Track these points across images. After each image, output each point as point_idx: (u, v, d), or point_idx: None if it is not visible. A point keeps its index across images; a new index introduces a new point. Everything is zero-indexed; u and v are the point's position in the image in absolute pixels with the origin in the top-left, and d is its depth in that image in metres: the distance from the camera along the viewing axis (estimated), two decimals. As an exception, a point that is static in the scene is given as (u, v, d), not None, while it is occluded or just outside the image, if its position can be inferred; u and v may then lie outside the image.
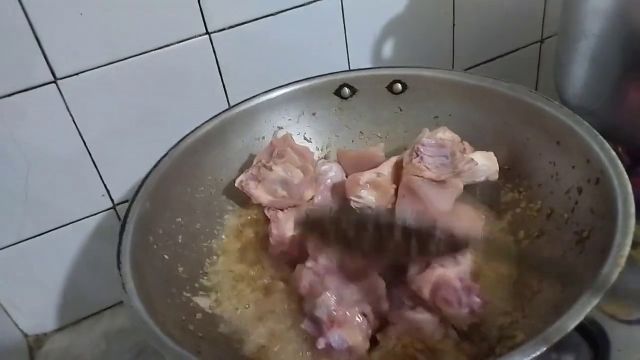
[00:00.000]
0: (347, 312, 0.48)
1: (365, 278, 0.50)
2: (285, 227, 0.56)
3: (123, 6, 0.58)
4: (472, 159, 0.56)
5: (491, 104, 0.62)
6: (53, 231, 0.67)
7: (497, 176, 0.58)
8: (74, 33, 0.57)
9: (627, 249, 0.40)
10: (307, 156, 0.61)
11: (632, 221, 0.42)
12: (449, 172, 0.55)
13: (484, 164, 0.57)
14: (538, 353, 0.35)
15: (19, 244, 0.66)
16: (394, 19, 0.76)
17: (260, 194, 0.58)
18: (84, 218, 0.69)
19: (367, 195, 0.56)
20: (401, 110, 0.68)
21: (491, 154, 0.58)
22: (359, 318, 0.48)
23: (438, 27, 0.80)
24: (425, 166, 0.55)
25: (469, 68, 0.87)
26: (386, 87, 0.67)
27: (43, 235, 0.67)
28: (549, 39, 0.90)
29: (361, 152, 0.63)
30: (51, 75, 0.58)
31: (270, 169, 0.58)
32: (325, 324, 0.47)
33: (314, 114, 0.68)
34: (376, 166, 0.58)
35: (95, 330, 0.74)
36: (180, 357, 0.38)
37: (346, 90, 0.67)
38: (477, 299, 0.46)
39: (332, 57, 0.73)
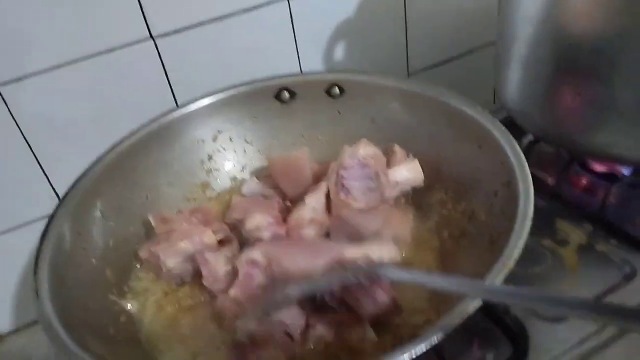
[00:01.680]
0: (268, 334, 0.47)
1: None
2: (217, 266, 0.55)
3: (68, 8, 0.59)
4: (397, 182, 0.58)
5: (422, 108, 0.63)
6: (3, 235, 0.68)
7: (422, 184, 0.60)
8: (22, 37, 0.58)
9: (517, 251, 0.41)
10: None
11: (528, 223, 0.43)
12: (376, 199, 0.58)
13: (408, 179, 0.60)
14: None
15: (-33, 247, 0.66)
16: (345, 23, 0.76)
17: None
18: (34, 221, 0.69)
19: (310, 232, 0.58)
20: (340, 113, 0.69)
21: (416, 163, 0.60)
22: (282, 337, 0.48)
23: (390, 30, 0.81)
24: (353, 198, 0.57)
25: (424, 69, 0.88)
26: (325, 91, 0.69)
27: (-9, 238, 0.68)
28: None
29: (288, 158, 0.64)
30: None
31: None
32: (247, 346, 0.47)
33: (254, 117, 0.69)
34: (302, 172, 0.60)
35: (50, 331, 0.75)
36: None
37: (285, 93, 0.69)
38: (384, 295, 0.48)
39: (283, 62, 0.74)
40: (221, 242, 0.59)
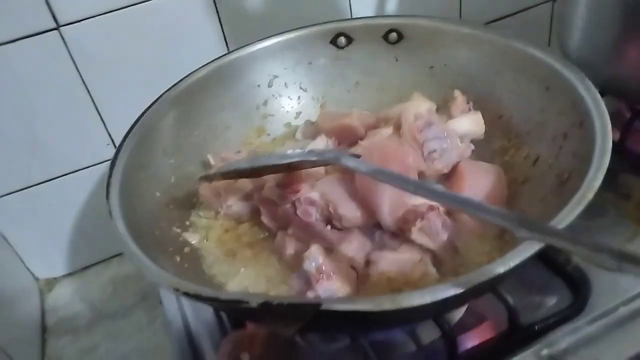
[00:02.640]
0: (335, 265, 0.48)
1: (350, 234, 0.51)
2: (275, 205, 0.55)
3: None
4: (469, 145, 0.57)
5: (484, 52, 0.61)
6: (60, 178, 0.70)
7: (482, 137, 0.59)
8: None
9: (597, 183, 0.40)
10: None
11: (607, 158, 0.42)
12: (454, 159, 0.56)
13: (470, 130, 0.59)
14: (494, 275, 0.35)
15: (27, 189, 0.69)
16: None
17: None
18: (90, 166, 0.71)
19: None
20: (397, 60, 0.68)
21: (478, 115, 0.59)
22: (348, 269, 0.48)
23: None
24: (434, 159, 0.55)
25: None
26: (382, 37, 0.67)
27: (50, 182, 0.69)
28: (562, -2, 0.87)
29: (338, 118, 0.62)
30: (54, 22, 0.60)
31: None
32: (314, 276, 0.47)
33: (310, 63, 0.69)
34: (355, 135, 0.60)
35: (103, 276, 0.77)
36: (159, 276, 0.40)
37: (342, 39, 0.68)
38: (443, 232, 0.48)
39: (334, 6, 0.73)
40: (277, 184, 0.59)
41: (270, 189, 0.55)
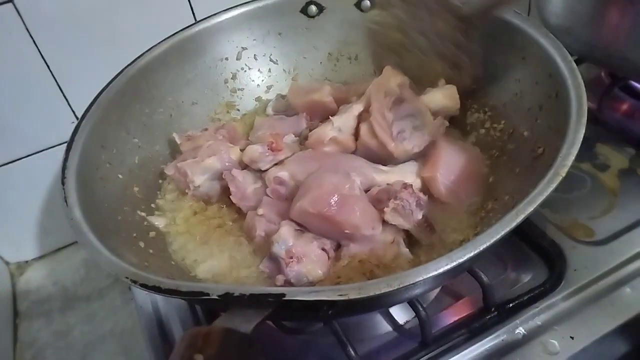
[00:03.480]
0: (305, 247, 0.46)
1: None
2: (245, 183, 0.53)
3: None
4: (443, 122, 0.55)
5: (460, 18, 0.58)
6: (24, 158, 0.67)
7: (457, 112, 0.57)
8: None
9: (570, 158, 0.39)
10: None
11: (581, 132, 0.40)
12: (424, 138, 0.54)
13: (444, 106, 0.56)
14: (452, 265, 0.34)
15: (-10, 171, 0.66)
16: None
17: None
18: (55, 146, 0.68)
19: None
20: (370, 29, 0.65)
21: (453, 89, 0.56)
22: (318, 252, 0.46)
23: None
24: (403, 139, 0.52)
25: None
26: (354, 5, 0.64)
27: (15, 163, 0.67)
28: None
29: (311, 100, 0.60)
30: (5, -6, 0.56)
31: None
32: (284, 260, 0.45)
33: (280, 34, 0.66)
34: (326, 110, 0.57)
35: (74, 258, 0.76)
36: (116, 268, 0.38)
37: (313, 7, 0.65)
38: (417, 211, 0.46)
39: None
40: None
41: (252, 150, 0.53)
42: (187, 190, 0.56)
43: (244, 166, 0.56)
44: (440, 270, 0.34)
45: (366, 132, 0.53)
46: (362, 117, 0.55)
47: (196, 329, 0.30)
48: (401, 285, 0.33)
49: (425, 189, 0.51)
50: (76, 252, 0.76)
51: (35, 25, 0.59)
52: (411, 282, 0.33)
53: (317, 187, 0.47)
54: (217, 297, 0.34)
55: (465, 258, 0.34)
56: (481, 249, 0.34)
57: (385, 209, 0.47)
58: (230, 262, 0.50)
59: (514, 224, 0.35)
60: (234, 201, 0.53)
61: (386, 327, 0.52)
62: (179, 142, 0.58)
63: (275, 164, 0.54)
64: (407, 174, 0.53)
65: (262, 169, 0.54)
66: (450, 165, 0.52)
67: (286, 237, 0.46)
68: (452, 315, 0.51)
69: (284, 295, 0.33)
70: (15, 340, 0.66)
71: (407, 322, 0.52)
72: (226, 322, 0.31)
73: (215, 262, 0.50)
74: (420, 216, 0.48)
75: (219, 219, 0.55)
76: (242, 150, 0.56)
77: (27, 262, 0.76)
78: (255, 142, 0.56)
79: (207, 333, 0.29)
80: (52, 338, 0.66)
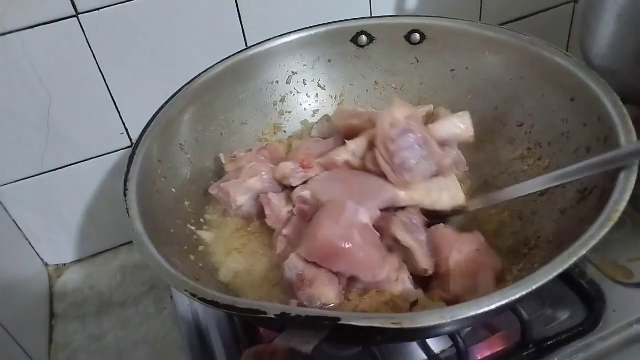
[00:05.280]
0: (316, 272, 0.46)
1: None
2: (279, 206, 0.55)
3: None
4: (451, 151, 0.55)
5: (509, 57, 0.60)
6: (73, 165, 0.70)
7: (472, 139, 0.57)
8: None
9: (623, 204, 0.39)
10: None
11: (633, 178, 0.41)
12: (431, 169, 0.53)
13: (455, 134, 0.56)
14: (513, 298, 0.35)
15: (40, 176, 0.68)
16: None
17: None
18: (103, 155, 0.71)
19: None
20: (418, 61, 0.67)
21: (465, 116, 0.56)
22: (330, 275, 0.46)
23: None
24: (410, 173, 0.52)
25: (499, 25, 0.84)
26: (404, 37, 0.66)
27: (64, 169, 0.69)
28: (583, -1, 0.86)
29: (350, 124, 0.60)
30: (73, 9, 0.59)
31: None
32: (296, 284, 0.46)
33: (329, 61, 0.68)
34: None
35: (112, 264, 0.77)
36: (175, 279, 0.40)
37: (363, 38, 0.67)
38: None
39: (354, 3, 0.72)
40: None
41: (284, 167, 0.55)
42: (229, 210, 0.58)
43: (284, 187, 0.58)
44: (493, 307, 0.34)
45: (370, 160, 0.54)
46: (371, 144, 0.55)
47: (261, 346, 0.31)
48: (454, 319, 0.34)
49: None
50: (113, 259, 0.78)
51: (96, 39, 0.62)
52: (464, 317, 0.34)
53: (312, 239, 0.47)
54: (273, 317, 0.35)
55: (517, 296, 0.35)
56: (534, 288, 0.35)
57: (393, 219, 0.48)
58: (262, 286, 0.52)
59: (566, 265, 0.36)
60: (268, 224, 0.55)
61: (421, 356, 0.52)
62: (224, 162, 0.60)
63: (304, 183, 0.55)
64: (433, 191, 0.53)
65: (293, 185, 0.55)
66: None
67: (296, 263, 0.47)
68: (487, 349, 0.51)
69: (339, 319, 0.34)
70: (50, 341, 0.68)
71: (443, 351, 0.52)
72: (287, 342, 0.32)
73: (247, 279, 0.51)
74: (424, 237, 0.49)
75: (259, 236, 0.57)
76: None
77: (65, 264, 0.78)
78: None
79: (273, 352, 0.30)
80: (86, 341, 0.67)
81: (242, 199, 0.57)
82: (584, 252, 0.37)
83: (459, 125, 0.56)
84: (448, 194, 0.54)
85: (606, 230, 0.38)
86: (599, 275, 0.55)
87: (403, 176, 0.52)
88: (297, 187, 0.55)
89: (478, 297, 0.41)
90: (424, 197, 0.53)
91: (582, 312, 0.53)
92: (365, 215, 0.49)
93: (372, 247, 0.48)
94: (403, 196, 0.52)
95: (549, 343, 0.50)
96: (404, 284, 0.47)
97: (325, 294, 0.45)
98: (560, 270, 0.36)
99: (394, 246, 0.50)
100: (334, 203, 0.49)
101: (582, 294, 0.54)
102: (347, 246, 0.46)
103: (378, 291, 0.46)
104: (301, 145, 0.63)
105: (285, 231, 0.52)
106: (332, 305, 0.46)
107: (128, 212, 0.45)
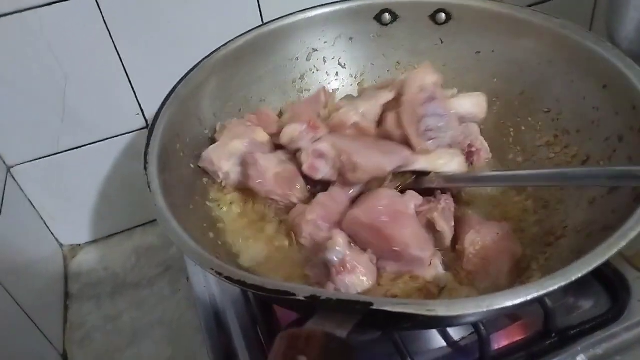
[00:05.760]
0: (357, 258, 0.45)
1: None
2: (266, 166, 0.52)
3: None
4: (464, 130, 0.55)
5: (538, 41, 0.58)
6: (88, 146, 0.69)
7: (482, 118, 0.57)
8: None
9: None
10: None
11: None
12: (446, 141, 0.53)
13: (470, 112, 0.56)
14: (551, 289, 0.34)
15: (54, 156, 0.68)
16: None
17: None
18: (118, 135, 0.70)
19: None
20: (442, 42, 0.65)
21: (482, 97, 0.56)
22: (370, 265, 0.46)
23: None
24: (432, 142, 0.51)
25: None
26: (429, 16, 0.64)
27: (79, 149, 0.68)
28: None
29: None
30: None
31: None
32: (336, 268, 0.44)
33: (351, 39, 0.66)
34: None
35: (126, 245, 0.77)
36: (200, 257, 0.39)
37: (387, 16, 0.65)
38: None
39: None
40: (280, 147, 0.56)
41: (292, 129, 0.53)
42: (218, 179, 0.54)
43: (270, 149, 0.56)
44: (529, 297, 0.34)
45: (393, 121, 0.52)
46: (388, 107, 0.54)
47: (295, 330, 0.30)
48: (489, 309, 0.33)
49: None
50: (128, 240, 0.77)
51: (112, 17, 0.60)
52: (500, 306, 0.33)
53: (373, 199, 0.48)
54: (303, 299, 0.34)
55: (555, 287, 0.34)
56: (573, 279, 0.34)
57: (437, 206, 0.48)
58: (275, 261, 0.50)
59: (605, 258, 0.35)
60: (251, 186, 0.52)
61: (440, 342, 0.52)
62: (217, 131, 0.57)
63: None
64: (444, 156, 0.53)
65: (303, 147, 0.52)
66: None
67: (341, 246, 0.45)
68: (509, 337, 0.51)
69: (371, 304, 0.33)
70: (65, 321, 0.68)
71: (463, 338, 0.52)
72: (320, 326, 0.31)
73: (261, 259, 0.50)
74: (453, 222, 0.49)
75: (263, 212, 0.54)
76: (271, 134, 0.56)
77: (80, 245, 0.77)
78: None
79: (308, 336, 0.29)
80: (101, 321, 0.67)
81: (226, 165, 0.53)
82: (623, 243, 0.36)
83: (476, 104, 0.56)
84: (457, 160, 0.53)
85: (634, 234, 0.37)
86: (624, 265, 0.54)
87: (426, 143, 0.51)
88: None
89: (491, 279, 0.41)
90: (435, 161, 0.52)
91: (606, 301, 0.52)
92: (411, 204, 0.49)
93: (419, 227, 0.48)
94: (417, 159, 0.51)
95: (572, 332, 0.49)
96: (436, 269, 0.47)
97: (363, 282, 0.45)
98: (599, 262, 0.35)
99: (426, 230, 0.49)
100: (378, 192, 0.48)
101: (607, 283, 0.53)
102: (407, 210, 0.46)
103: (411, 277, 0.46)
104: (286, 107, 0.61)
105: (310, 216, 0.49)
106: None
107: (150, 186, 0.44)
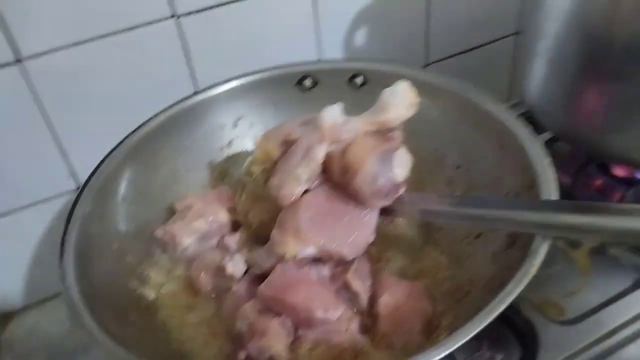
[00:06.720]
0: (267, 324, 0.47)
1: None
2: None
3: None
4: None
5: (446, 102, 0.62)
6: (18, 210, 0.68)
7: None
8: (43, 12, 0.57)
9: (539, 259, 0.42)
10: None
11: (543, 249, 0.44)
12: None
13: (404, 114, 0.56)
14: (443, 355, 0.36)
15: (-18, 222, 0.67)
16: (368, 9, 0.76)
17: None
18: (50, 198, 0.70)
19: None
20: (362, 102, 0.68)
21: (402, 85, 0.56)
22: (279, 328, 0.48)
23: (412, 17, 0.80)
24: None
25: (444, 59, 0.87)
26: (347, 80, 0.68)
27: (9, 214, 0.68)
28: (525, 32, 0.89)
29: None
30: (12, 54, 0.58)
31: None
32: (246, 335, 0.47)
33: (276, 105, 0.69)
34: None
35: (61, 309, 0.73)
36: (113, 353, 0.40)
37: (307, 81, 0.68)
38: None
39: (303, 46, 0.74)
40: (237, 223, 0.59)
41: None
42: (174, 253, 0.57)
43: (232, 228, 0.58)
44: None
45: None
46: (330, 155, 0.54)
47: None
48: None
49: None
50: (62, 304, 0.76)
51: (40, 83, 0.61)
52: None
53: (275, 272, 0.50)
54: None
55: (455, 346, 0.37)
56: (471, 335, 0.37)
57: (349, 273, 0.50)
58: (205, 338, 0.52)
59: (485, 323, 0.38)
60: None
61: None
62: (178, 209, 0.60)
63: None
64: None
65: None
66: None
67: (248, 314, 0.48)
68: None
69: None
70: (-3, 395, 0.66)
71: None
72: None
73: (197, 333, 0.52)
74: (369, 282, 0.51)
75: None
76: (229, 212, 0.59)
77: (12, 312, 0.76)
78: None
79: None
80: (38, 393, 0.66)
81: (187, 241, 0.56)
82: (496, 313, 0.38)
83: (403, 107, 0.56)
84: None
85: (519, 289, 0.40)
86: (533, 313, 0.56)
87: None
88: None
89: (404, 340, 0.43)
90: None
91: (517, 351, 0.55)
92: (313, 271, 0.51)
93: (322, 290, 0.49)
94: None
95: (484, 385, 0.51)
96: (352, 334, 0.48)
97: (275, 344, 0.46)
98: (481, 327, 0.38)
99: (341, 291, 0.51)
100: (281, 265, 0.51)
101: (517, 333, 0.56)
102: (294, 287, 0.48)
103: (327, 346, 0.47)
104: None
105: (234, 287, 0.53)
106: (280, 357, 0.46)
107: (64, 280, 0.45)
